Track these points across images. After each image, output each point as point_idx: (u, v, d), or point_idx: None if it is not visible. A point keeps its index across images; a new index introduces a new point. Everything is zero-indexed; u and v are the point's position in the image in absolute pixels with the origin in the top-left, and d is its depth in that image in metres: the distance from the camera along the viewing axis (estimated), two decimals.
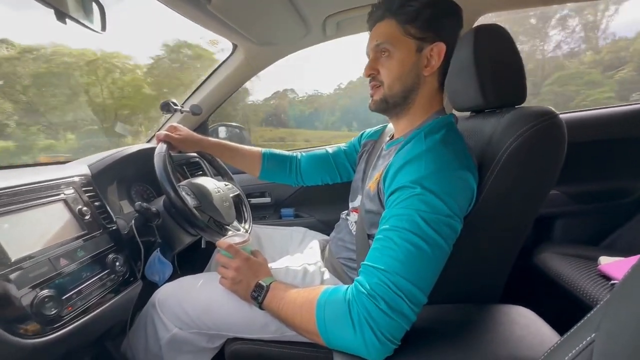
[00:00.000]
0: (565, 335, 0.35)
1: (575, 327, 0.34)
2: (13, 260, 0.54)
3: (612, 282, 0.84)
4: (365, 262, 0.56)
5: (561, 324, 0.57)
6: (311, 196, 1.39)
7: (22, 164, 1.05)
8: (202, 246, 0.97)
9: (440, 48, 0.66)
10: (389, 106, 0.70)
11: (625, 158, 1.18)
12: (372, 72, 0.69)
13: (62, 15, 0.58)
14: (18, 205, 0.59)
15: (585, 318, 0.33)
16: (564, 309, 0.86)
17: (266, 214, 1.45)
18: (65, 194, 0.69)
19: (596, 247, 1.16)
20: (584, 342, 0.30)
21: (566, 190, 1.20)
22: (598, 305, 0.32)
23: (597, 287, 0.83)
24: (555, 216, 1.23)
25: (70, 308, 0.58)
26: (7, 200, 0.58)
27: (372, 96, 0.71)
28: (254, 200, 1.41)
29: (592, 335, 0.29)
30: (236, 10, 0.87)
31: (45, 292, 0.55)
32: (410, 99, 0.69)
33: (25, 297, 0.52)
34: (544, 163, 0.64)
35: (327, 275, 0.83)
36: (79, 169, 0.80)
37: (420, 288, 0.52)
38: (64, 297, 0.57)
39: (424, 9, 0.64)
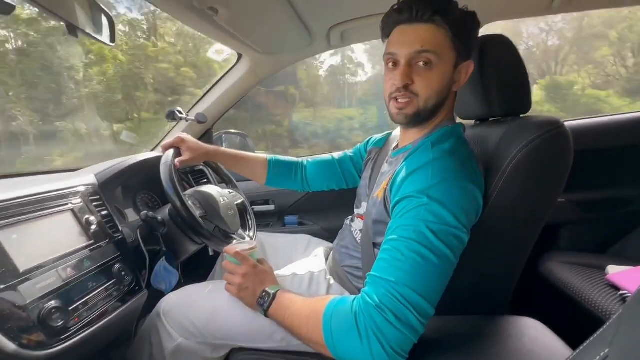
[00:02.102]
0: (577, 350, 0.34)
1: (587, 342, 0.34)
2: (21, 271, 0.54)
3: (621, 292, 0.83)
4: (372, 273, 0.56)
5: (569, 335, 0.56)
6: (315, 204, 1.39)
7: (33, 171, 1.06)
8: (210, 254, 0.97)
9: (469, 66, 0.64)
10: (420, 119, 0.64)
11: (632, 166, 1.17)
12: (408, 82, 0.61)
13: (73, 29, 0.59)
14: (27, 216, 0.60)
15: (598, 333, 0.32)
16: (571, 319, 0.85)
17: (270, 221, 1.45)
18: (73, 204, 0.70)
19: (603, 255, 1.15)
20: (597, 358, 0.29)
21: (572, 198, 1.19)
22: (611, 320, 0.31)
23: (606, 298, 0.82)
24: (562, 224, 1.22)
25: (76, 319, 0.58)
26: (17, 210, 0.59)
27: (400, 109, 0.64)
28: (257, 208, 1.41)
29: (606, 351, 0.29)
30: (242, 22, 0.89)
31: (52, 303, 0.55)
32: (436, 114, 0.66)
33: (32, 308, 0.52)
34: (550, 172, 0.64)
35: (332, 283, 0.82)
36: (87, 178, 0.80)
37: (428, 299, 0.52)
38: (70, 308, 0.57)
39: (465, 20, 0.60)
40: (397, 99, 0.63)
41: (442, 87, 0.62)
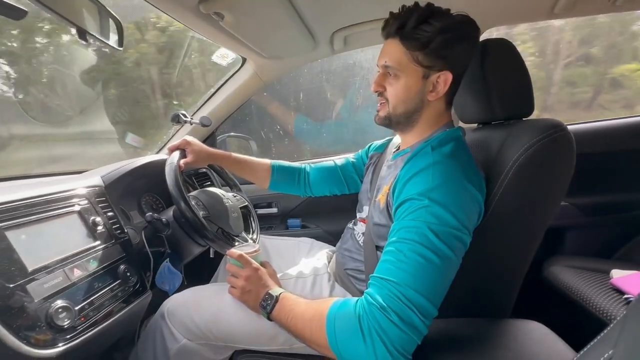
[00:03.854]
0: (582, 352, 0.35)
1: (591, 343, 0.34)
2: (30, 270, 0.55)
3: (626, 296, 0.82)
4: (374, 275, 0.56)
5: (573, 338, 0.56)
6: (318, 207, 1.40)
7: (40, 173, 1.07)
8: (211, 256, 0.97)
9: (447, 77, 0.64)
10: (392, 123, 0.70)
11: (636, 170, 1.17)
12: (379, 89, 0.69)
13: (83, 33, 0.61)
14: (36, 216, 0.61)
15: (602, 334, 0.32)
16: (575, 323, 0.84)
17: (273, 224, 1.46)
18: (80, 205, 0.71)
19: (607, 259, 1.14)
20: (601, 359, 0.30)
21: (577, 202, 1.19)
22: (615, 321, 0.32)
23: (610, 302, 0.82)
24: (565, 228, 1.21)
25: (83, 319, 0.58)
26: (25, 211, 0.60)
27: (377, 111, 0.71)
28: (260, 211, 1.42)
29: (610, 352, 0.29)
30: (247, 26, 0.90)
31: (59, 302, 0.55)
32: (413, 119, 0.69)
33: (40, 307, 0.53)
34: (553, 175, 0.64)
35: (335, 286, 0.82)
36: (93, 179, 0.81)
37: (431, 300, 0.52)
38: (77, 308, 0.58)
39: (437, 36, 0.61)
40: (378, 103, 0.71)
41: (408, 97, 0.66)
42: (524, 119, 0.74)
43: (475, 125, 0.86)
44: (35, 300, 0.53)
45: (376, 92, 0.69)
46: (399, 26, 0.64)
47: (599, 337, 0.33)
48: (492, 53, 0.71)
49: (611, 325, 0.32)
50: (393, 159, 0.76)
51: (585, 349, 0.34)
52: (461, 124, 0.89)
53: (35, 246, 0.58)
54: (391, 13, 0.66)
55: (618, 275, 0.89)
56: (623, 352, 0.28)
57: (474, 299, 0.70)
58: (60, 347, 0.53)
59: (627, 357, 0.27)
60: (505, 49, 0.72)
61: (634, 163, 1.17)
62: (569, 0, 0.92)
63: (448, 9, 0.63)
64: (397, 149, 0.79)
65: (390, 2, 0.71)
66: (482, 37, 1.05)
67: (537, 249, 0.70)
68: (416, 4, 0.64)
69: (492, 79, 0.71)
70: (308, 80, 1.91)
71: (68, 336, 0.55)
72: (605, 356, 0.29)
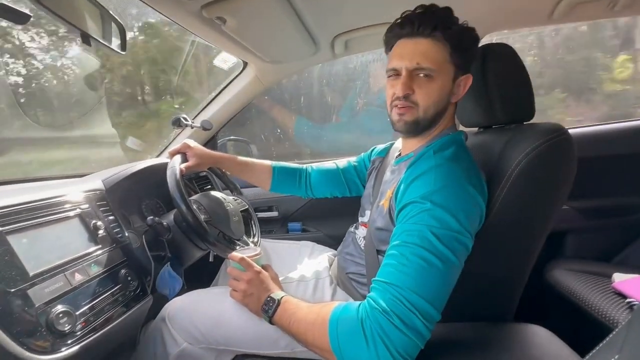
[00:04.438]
0: (587, 357, 0.34)
1: (596, 348, 0.34)
2: (31, 275, 0.54)
3: (628, 300, 0.82)
4: (377, 279, 0.56)
5: (576, 343, 0.56)
6: (318, 211, 1.39)
7: (41, 177, 1.07)
8: (210, 260, 0.97)
9: (468, 80, 0.66)
10: (420, 128, 0.67)
11: (637, 173, 1.17)
12: (409, 92, 0.63)
13: (86, 37, 0.61)
14: (37, 220, 0.61)
15: (607, 339, 0.32)
16: (577, 327, 0.84)
17: (273, 228, 1.45)
18: (81, 209, 0.70)
19: (609, 263, 1.14)
20: None
21: (578, 206, 1.19)
22: (620, 327, 0.31)
23: (612, 306, 0.82)
24: (566, 232, 1.21)
25: (84, 324, 0.58)
26: (26, 215, 0.60)
27: (400, 115, 0.66)
28: (261, 214, 1.42)
29: (616, 357, 0.29)
30: (249, 31, 0.91)
31: (60, 307, 0.55)
32: (436, 122, 0.68)
33: (41, 312, 0.53)
34: (554, 180, 0.64)
35: (337, 289, 0.82)
36: (94, 183, 0.81)
37: (433, 304, 0.52)
38: (77, 313, 0.58)
39: (464, 35, 0.62)
40: (398, 107, 0.66)
41: (440, 98, 0.64)
42: (525, 123, 0.74)
43: (476, 129, 0.87)
44: (36, 305, 0.53)
45: (404, 95, 0.63)
46: (437, 24, 0.61)
47: (603, 343, 0.33)
48: (493, 57, 0.71)
49: (616, 331, 0.32)
50: (396, 164, 0.76)
51: (590, 355, 0.34)
52: (462, 128, 0.90)
53: (36, 250, 0.58)
54: (416, 14, 0.63)
55: (620, 279, 0.89)
56: (628, 357, 0.28)
57: (477, 303, 0.70)
58: (61, 353, 0.53)
59: None
60: (506, 54, 0.72)
61: (634, 167, 1.18)
62: (568, 5, 0.92)
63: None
64: (399, 154, 0.79)
65: (392, 7, 0.72)
66: (481, 42, 1.06)
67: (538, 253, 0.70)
68: (433, 5, 0.63)
69: (493, 83, 0.71)
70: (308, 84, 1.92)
71: (69, 341, 0.55)
72: None
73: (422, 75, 0.63)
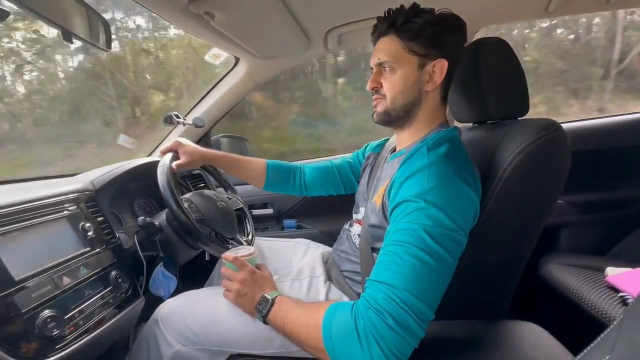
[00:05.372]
0: (578, 357, 0.34)
1: (588, 347, 0.33)
2: (16, 279, 0.53)
3: (621, 294, 0.83)
4: (370, 278, 0.56)
5: (569, 337, 0.56)
6: (313, 207, 1.39)
7: (28, 177, 1.05)
8: (207, 259, 0.96)
9: (442, 64, 0.66)
10: (392, 119, 0.70)
11: (630, 167, 1.18)
12: (375, 86, 0.70)
13: (68, 35, 0.59)
14: (22, 223, 0.59)
15: (599, 338, 0.32)
16: (571, 321, 0.85)
17: (268, 225, 1.45)
18: (69, 211, 0.69)
19: (602, 257, 1.15)
20: None
21: (571, 200, 1.19)
22: (612, 326, 0.31)
23: (605, 300, 0.82)
24: (560, 226, 1.22)
25: (72, 328, 0.57)
26: (11, 218, 0.58)
27: (375, 107, 0.72)
28: (256, 212, 1.41)
29: (607, 358, 0.29)
30: (239, 25, 0.89)
31: (48, 312, 0.54)
32: (412, 113, 0.69)
33: (28, 317, 0.52)
34: (548, 175, 0.64)
35: (331, 288, 0.82)
36: (83, 183, 0.80)
37: (427, 303, 0.52)
38: (66, 317, 0.57)
39: (427, 26, 0.64)
40: (373, 100, 0.72)
41: (405, 87, 0.67)
42: (519, 118, 0.73)
43: (470, 124, 0.86)
44: (22, 311, 0.52)
45: (372, 89, 0.70)
46: (391, 23, 0.67)
47: (595, 342, 0.32)
48: (487, 52, 0.71)
49: (608, 330, 0.31)
50: (390, 160, 0.76)
51: (581, 354, 0.34)
52: (456, 124, 0.89)
53: (21, 254, 0.56)
54: (379, 17, 0.70)
55: (613, 273, 0.90)
56: (620, 357, 0.28)
57: (471, 300, 0.70)
58: (50, 358, 0.52)
59: None
60: (500, 48, 0.72)
61: (627, 160, 1.18)
62: None
63: (432, 8, 0.66)
64: (394, 150, 0.78)
65: (385, 0, 0.70)
66: (476, 36, 1.05)
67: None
68: (402, 5, 0.68)
69: (487, 78, 0.70)
70: None
71: (57, 346, 0.54)
72: None
73: (386, 68, 0.68)
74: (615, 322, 0.31)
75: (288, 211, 1.41)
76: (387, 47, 0.67)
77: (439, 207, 0.54)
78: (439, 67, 0.66)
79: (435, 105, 0.70)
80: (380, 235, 0.63)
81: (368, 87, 0.71)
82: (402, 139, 0.74)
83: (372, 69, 0.72)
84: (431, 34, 0.65)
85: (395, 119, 0.70)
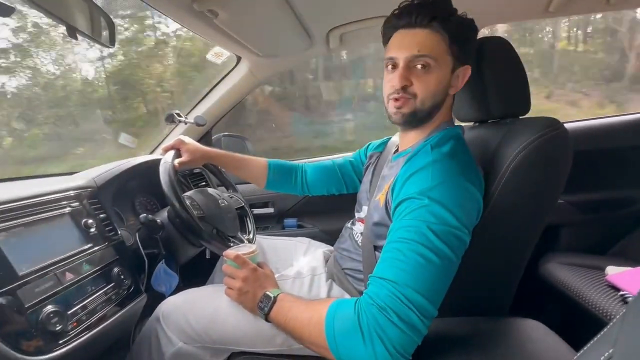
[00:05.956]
0: (581, 351, 0.34)
1: (591, 342, 0.34)
2: (20, 275, 0.53)
3: (622, 292, 0.83)
4: (373, 275, 0.56)
5: (570, 336, 0.56)
6: (314, 206, 1.39)
7: (31, 175, 1.05)
8: (207, 257, 0.96)
9: (466, 71, 0.65)
10: (416, 120, 0.66)
11: (631, 167, 1.18)
12: (406, 83, 0.63)
13: (72, 31, 0.59)
14: (26, 219, 0.59)
15: (602, 333, 0.32)
16: (571, 320, 0.85)
17: (269, 224, 1.45)
18: (71, 207, 0.69)
19: (602, 256, 1.15)
20: (601, 358, 0.29)
21: (572, 199, 1.20)
22: (614, 320, 0.31)
23: (606, 299, 0.83)
24: (561, 225, 1.22)
25: (75, 324, 0.57)
26: (15, 214, 0.58)
27: (398, 108, 0.65)
28: (257, 211, 1.41)
29: (610, 351, 0.29)
30: (242, 24, 0.89)
31: (51, 307, 0.54)
32: (434, 114, 0.67)
33: (30, 312, 0.52)
34: (550, 174, 0.64)
35: (333, 286, 0.82)
36: (85, 180, 0.80)
37: (431, 300, 0.52)
38: (69, 312, 0.57)
39: (462, 26, 0.62)
40: (395, 99, 0.65)
41: (438, 90, 0.63)
42: (520, 117, 0.74)
43: (472, 123, 0.86)
44: (26, 306, 0.52)
45: (402, 87, 0.62)
46: (433, 16, 0.60)
47: (598, 336, 0.33)
48: (489, 51, 0.71)
49: (610, 324, 0.32)
50: (394, 159, 0.75)
51: (585, 349, 0.34)
52: (458, 123, 0.89)
53: (25, 250, 0.56)
54: (417, 3, 0.62)
55: (613, 272, 0.90)
56: (623, 350, 0.28)
57: (472, 298, 0.70)
58: (53, 354, 0.52)
59: (627, 356, 0.27)
60: (502, 48, 0.72)
61: (627, 160, 1.18)
62: None
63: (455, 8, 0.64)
64: (397, 149, 0.78)
65: (387, 0, 0.71)
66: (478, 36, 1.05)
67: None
68: None
69: (489, 78, 0.71)
70: None
71: (60, 341, 0.54)
72: (605, 355, 0.29)
73: (419, 66, 0.62)
74: (617, 317, 0.31)
75: (289, 210, 1.41)
76: (429, 43, 0.61)
77: (443, 205, 0.54)
78: (463, 73, 0.65)
79: (450, 107, 0.70)
80: (383, 233, 0.63)
81: (398, 84, 0.62)
82: (408, 139, 0.72)
83: (392, 64, 0.65)
84: (465, 37, 0.63)
85: (419, 120, 0.66)
